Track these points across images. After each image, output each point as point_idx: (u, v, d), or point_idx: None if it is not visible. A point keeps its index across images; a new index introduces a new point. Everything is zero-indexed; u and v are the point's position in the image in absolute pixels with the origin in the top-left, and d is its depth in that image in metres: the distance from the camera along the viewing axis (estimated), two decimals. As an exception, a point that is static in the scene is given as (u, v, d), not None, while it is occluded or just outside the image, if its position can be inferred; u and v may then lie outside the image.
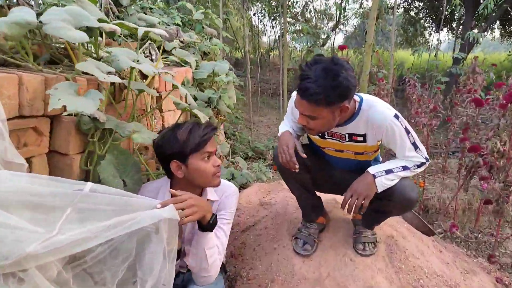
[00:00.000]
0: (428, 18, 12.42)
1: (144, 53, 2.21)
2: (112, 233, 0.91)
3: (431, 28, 12.68)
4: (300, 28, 10.32)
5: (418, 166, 1.67)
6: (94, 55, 1.55)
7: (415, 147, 1.66)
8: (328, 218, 2.11)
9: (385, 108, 1.62)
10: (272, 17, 9.82)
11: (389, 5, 9.64)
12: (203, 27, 3.71)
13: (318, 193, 2.04)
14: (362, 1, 10.81)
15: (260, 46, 11.01)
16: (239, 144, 4.60)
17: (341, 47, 4.08)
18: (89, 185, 0.96)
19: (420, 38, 12.48)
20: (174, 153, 1.40)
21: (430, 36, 12.48)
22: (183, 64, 2.86)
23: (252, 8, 9.66)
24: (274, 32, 13.37)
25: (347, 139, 1.72)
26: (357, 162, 1.84)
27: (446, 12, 10.30)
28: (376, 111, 1.60)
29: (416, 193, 1.66)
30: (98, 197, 0.96)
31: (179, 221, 1.25)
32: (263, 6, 9.70)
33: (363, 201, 1.58)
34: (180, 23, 3.41)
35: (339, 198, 2.35)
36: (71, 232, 0.87)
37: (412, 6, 12.14)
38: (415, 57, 11.53)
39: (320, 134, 1.78)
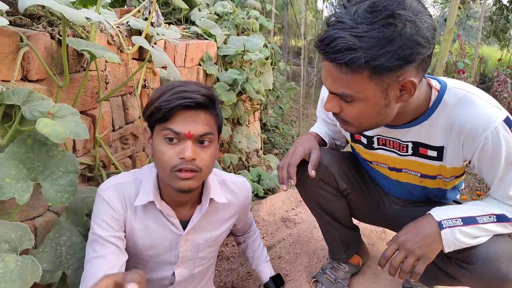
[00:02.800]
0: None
1: (142, 14, 1.71)
2: None
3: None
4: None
5: None
6: None
7: None
8: (367, 255, 1.47)
9: (488, 105, 0.92)
10: (337, 1, 9.00)
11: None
12: (244, -2, 3.17)
13: (355, 221, 1.40)
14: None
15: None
16: (280, 138, 4.02)
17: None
18: None
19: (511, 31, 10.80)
20: (144, 113, 0.97)
21: (524, 29, 10.72)
22: (206, 37, 2.34)
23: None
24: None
25: (409, 152, 1.05)
26: (423, 190, 1.16)
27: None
28: (472, 108, 0.91)
29: None
30: None
31: None
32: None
33: (415, 264, 0.93)
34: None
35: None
36: None
37: (506, -7, 10.49)
38: (504, 53, 9.99)
39: (365, 140, 1.13)
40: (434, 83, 0.98)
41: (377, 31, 0.78)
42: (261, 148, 3.09)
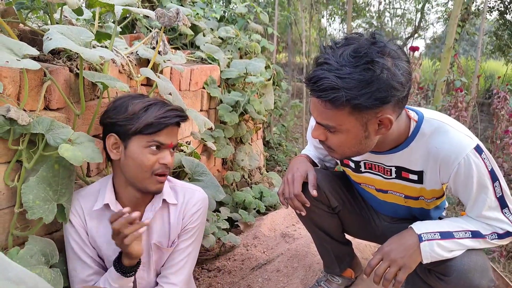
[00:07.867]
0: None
1: (150, 43, 1.86)
2: None
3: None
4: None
5: (500, 237, 1.05)
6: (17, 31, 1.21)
7: (503, 204, 1.04)
8: (360, 268, 1.55)
9: (460, 134, 1.03)
10: (341, 19, 9.20)
11: (479, 7, 8.44)
12: (247, 22, 3.32)
13: (348, 236, 1.49)
14: (448, 1, 9.69)
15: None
16: (283, 156, 4.12)
17: (412, 48, 3.39)
18: None
19: (516, 46, 10.87)
20: (117, 123, 1.06)
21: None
22: (210, 61, 2.48)
23: (323, 11, 9.15)
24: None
25: (393, 175, 1.15)
26: (408, 210, 1.26)
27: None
28: (446, 137, 1.03)
29: (489, 280, 1.03)
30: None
31: None
32: (333, 8, 9.11)
33: (396, 273, 1.03)
34: (218, 16, 3.05)
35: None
36: None
37: (509, 8, 10.59)
38: (509, 68, 10.05)
39: (353, 165, 1.24)
40: (412, 114, 1.09)
41: (358, 74, 0.89)
42: (263, 166, 3.19)
